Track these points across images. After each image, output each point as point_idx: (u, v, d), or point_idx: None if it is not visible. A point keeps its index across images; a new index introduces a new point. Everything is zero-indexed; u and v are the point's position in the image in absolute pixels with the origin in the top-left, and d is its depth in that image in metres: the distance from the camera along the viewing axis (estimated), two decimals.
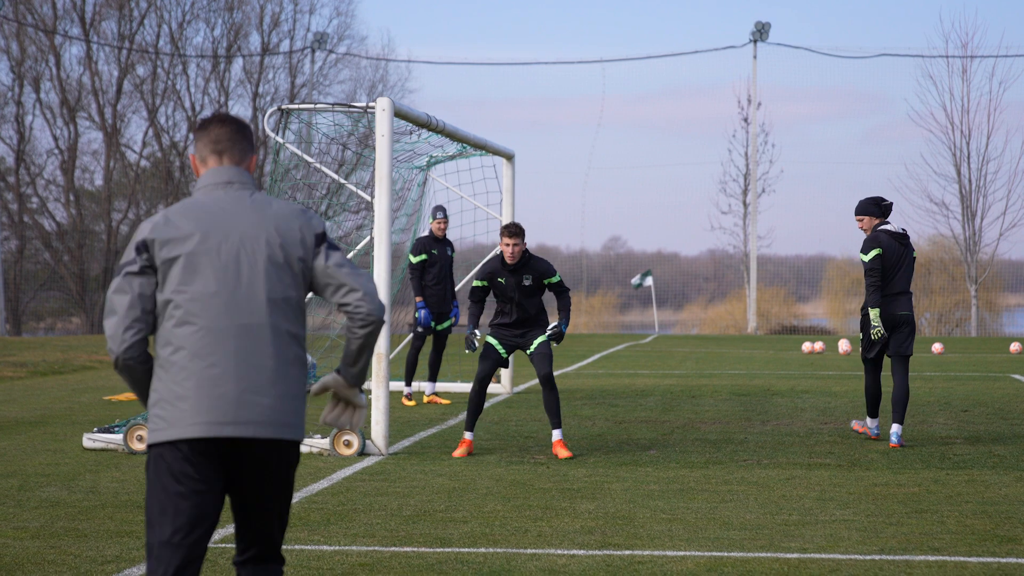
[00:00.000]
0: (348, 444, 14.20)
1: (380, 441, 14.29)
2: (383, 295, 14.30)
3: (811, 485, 12.28)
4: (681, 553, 9.41)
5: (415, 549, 9.51)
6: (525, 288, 14.40)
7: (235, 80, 57.93)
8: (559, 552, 9.41)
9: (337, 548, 9.54)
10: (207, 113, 56.54)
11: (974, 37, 64.07)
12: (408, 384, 19.74)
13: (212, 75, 56.84)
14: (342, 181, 15.13)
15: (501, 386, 21.33)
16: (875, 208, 15.46)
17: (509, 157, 20.97)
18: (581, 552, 9.42)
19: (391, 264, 14.40)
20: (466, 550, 9.47)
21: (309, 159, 14.88)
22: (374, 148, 14.70)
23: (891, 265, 15.21)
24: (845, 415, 18.20)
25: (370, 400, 14.49)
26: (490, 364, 14.38)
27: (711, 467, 13.42)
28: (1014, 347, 37.08)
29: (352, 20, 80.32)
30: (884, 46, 65.91)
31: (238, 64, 57.67)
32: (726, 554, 9.38)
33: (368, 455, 14.20)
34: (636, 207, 79.03)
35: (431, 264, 19.37)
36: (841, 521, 10.56)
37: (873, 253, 15.13)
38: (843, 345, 35.48)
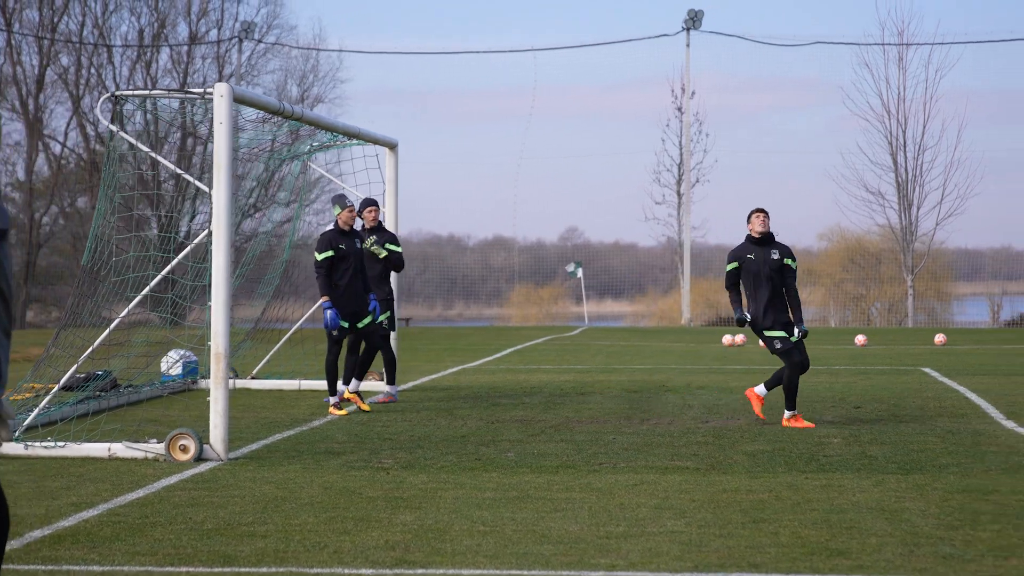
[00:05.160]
0: (184, 449, 13.45)
1: (219, 446, 13.54)
2: (222, 290, 13.56)
3: (656, 491, 11.59)
4: (478, 572, 8.70)
5: (191, 569, 8.76)
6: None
7: (162, 70, 57.04)
8: (347, 571, 8.69)
9: (107, 568, 8.79)
10: None
11: (910, 24, 63.70)
12: (332, 393, 18.09)
13: (138, 65, 55.90)
14: (179, 172, 14.40)
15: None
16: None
17: (392, 146, 20.21)
18: (369, 571, 8.69)
19: (230, 258, 13.63)
20: (246, 570, 8.73)
21: (145, 148, 14.11)
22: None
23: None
24: (731, 413, 17.57)
25: (208, 402, 13.73)
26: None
27: (561, 471, 12.71)
28: (939, 338, 36.58)
29: (281, 9, 79.58)
30: (819, 34, 65.34)
31: (165, 54, 56.77)
32: (526, 572, 8.68)
33: (206, 460, 13.45)
34: (573, 197, 78.36)
35: (340, 259, 17.86)
36: (669, 533, 9.87)
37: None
38: None
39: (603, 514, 10.59)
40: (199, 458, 13.44)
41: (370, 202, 18.73)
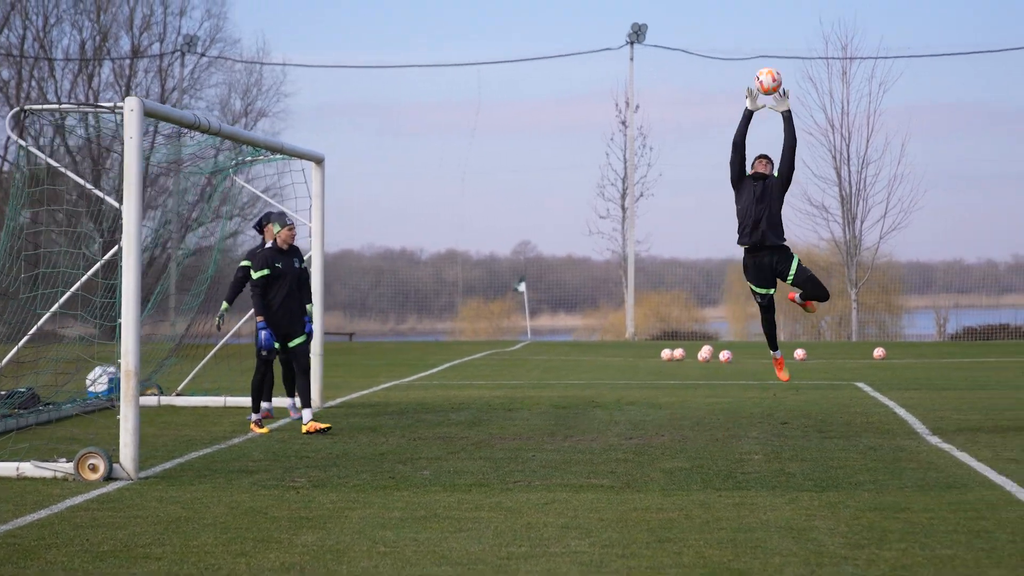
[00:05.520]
0: (94, 468, 13.24)
1: (129, 465, 13.34)
2: (131, 307, 13.37)
3: (566, 510, 11.46)
4: None
5: None
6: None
7: (104, 83, 56.60)
8: None
9: None
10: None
11: (854, 39, 63.70)
12: (255, 411, 17.82)
13: (80, 78, 55.48)
14: (90, 187, 14.21)
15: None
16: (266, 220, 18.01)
17: (318, 161, 20.04)
18: None
19: (140, 274, 13.42)
20: None
21: (55, 164, 13.91)
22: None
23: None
24: (656, 429, 17.47)
25: (117, 420, 13.53)
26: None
27: (474, 490, 12.57)
28: (877, 352, 36.62)
29: (224, 23, 78.89)
30: (763, 48, 65.55)
31: (108, 67, 56.36)
32: None
33: (116, 480, 13.24)
34: (523, 211, 78.30)
35: (275, 278, 17.57)
36: (570, 554, 9.74)
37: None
38: (703, 352, 34.84)
39: (508, 534, 10.46)
40: (108, 477, 13.23)
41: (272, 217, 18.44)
